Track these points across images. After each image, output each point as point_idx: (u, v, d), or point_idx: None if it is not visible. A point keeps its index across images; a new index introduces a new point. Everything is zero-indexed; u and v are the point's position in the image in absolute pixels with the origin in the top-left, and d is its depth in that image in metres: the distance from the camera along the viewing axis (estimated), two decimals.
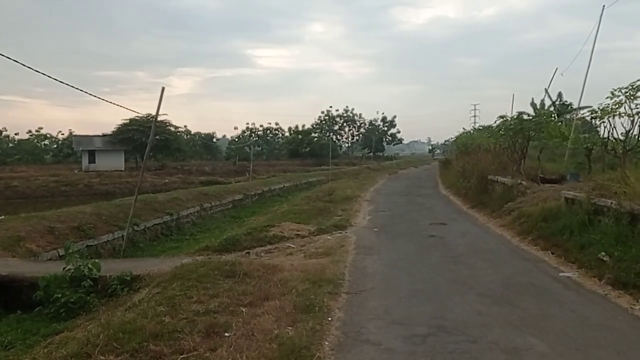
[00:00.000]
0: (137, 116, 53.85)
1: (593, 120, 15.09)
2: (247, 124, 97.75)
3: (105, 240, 15.99)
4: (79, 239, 14.75)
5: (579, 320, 6.29)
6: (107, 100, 29.82)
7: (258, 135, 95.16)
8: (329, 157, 53.85)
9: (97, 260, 10.40)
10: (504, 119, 20.55)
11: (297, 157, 79.95)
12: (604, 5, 23.35)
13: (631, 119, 11.41)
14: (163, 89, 14.81)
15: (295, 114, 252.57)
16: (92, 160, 57.92)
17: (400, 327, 6.16)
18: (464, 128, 57.90)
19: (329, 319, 6.40)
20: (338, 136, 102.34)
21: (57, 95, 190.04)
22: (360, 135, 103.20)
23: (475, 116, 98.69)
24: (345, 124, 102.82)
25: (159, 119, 17.29)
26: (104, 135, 61.70)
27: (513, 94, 56.78)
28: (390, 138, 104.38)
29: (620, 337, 5.68)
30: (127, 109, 42.48)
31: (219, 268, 8.40)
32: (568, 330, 5.92)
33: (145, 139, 48.88)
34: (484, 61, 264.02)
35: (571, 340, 5.61)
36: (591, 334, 5.78)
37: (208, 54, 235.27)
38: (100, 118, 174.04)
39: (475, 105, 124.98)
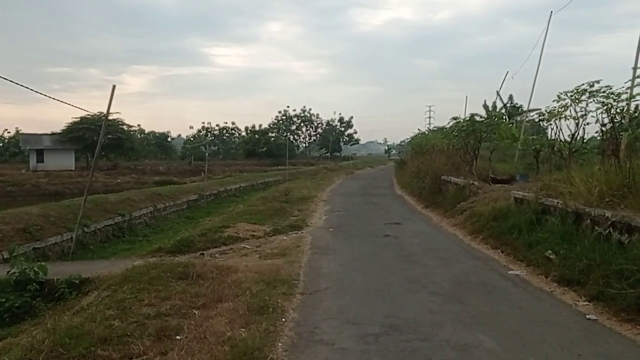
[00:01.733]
0: (88, 114, 52.37)
1: (541, 123, 15.58)
2: (203, 123, 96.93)
3: (54, 242, 15.47)
4: (25, 241, 14.22)
5: (526, 317, 6.47)
6: (55, 99, 28.82)
7: (214, 135, 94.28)
8: (286, 157, 53.73)
9: (43, 263, 10.07)
10: (457, 120, 21.01)
11: (254, 157, 79.52)
12: (551, 11, 24.31)
13: (576, 121, 11.80)
14: (114, 86, 14.49)
15: (252, 113, 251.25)
16: (40, 159, 56.01)
17: (353, 326, 6.19)
18: (419, 129, 58.83)
19: (283, 319, 6.38)
20: (295, 136, 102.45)
21: (3, 92, 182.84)
22: (318, 135, 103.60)
23: (430, 117, 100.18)
24: (302, 124, 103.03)
25: (111, 117, 16.89)
26: (53, 134, 59.73)
27: (466, 96, 58.60)
28: (347, 138, 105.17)
29: (564, 333, 5.88)
30: (76, 107, 41.37)
31: (172, 270, 8.26)
32: (516, 326, 6.09)
33: (96, 137, 47.51)
34: (439, 63, 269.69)
35: (518, 336, 5.77)
36: (537, 330, 5.96)
37: (163, 51, 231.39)
38: (50, 116, 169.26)
39: (430, 106, 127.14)
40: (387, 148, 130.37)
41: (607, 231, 7.90)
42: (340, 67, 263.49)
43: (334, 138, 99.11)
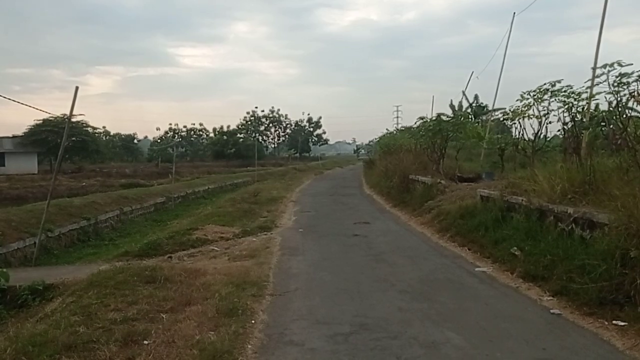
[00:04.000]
0: (51, 117, 51.20)
1: (506, 122, 15.86)
2: (170, 124, 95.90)
3: (16, 247, 15.03)
4: None
5: (492, 313, 6.59)
6: (15, 100, 28.04)
7: (181, 136, 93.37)
8: (255, 158, 53.52)
9: (5, 270, 9.80)
10: (424, 120, 21.26)
11: (222, 158, 78.91)
12: (514, 13, 24.91)
13: (539, 120, 12.04)
14: (77, 88, 14.22)
15: (220, 114, 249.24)
16: (1, 163, 54.45)
17: (323, 326, 6.20)
18: (387, 129, 59.20)
19: (253, 321, 6.34)
20: (264, 137, 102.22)
21: None
22: (287, 136, 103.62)
23: (397, 117, 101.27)
24: (271, 125, 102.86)
25: (74, 119, 16.53)
26: (14, 137, 58.13)
27: (433, 96, 59.52)
28: (316, 139, 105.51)
29: (529, 327, 6.00)
30: (38, 109, 40.30)
31: (139, 274, 8.13)
32: (482, 323, 6.19)
33: (59, 140, 46.36)
34: (406, 64, 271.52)
35: (485, 332, 5.86)
36: (503, 326, 6.07)
37: (128, 52, 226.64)
38: (10, 119, 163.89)
39: (397, 106, 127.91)
40: (355, 148, 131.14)
41: (569, 227, 8.10)
42: (309, 68, 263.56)
43: (303, 138, 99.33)
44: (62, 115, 38.28)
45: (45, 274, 9.99)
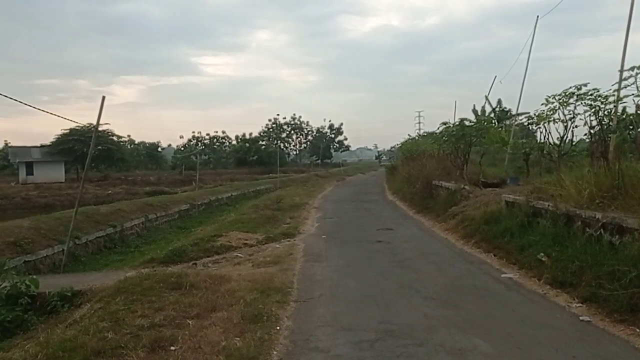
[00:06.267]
0: (78, 126, 52.22)
1: (530, 126, 15.67)
2: (193, 132, 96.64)
3: (45, 255, 15.33)
4: (15, 254, 14.08)
5: (519, 320, 6.50)
6: (43, 110, 28.74)
7: (204, 144, 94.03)
8: (277, 165, 53.76)
9: (35, 277, 9.96)
10: (447, 125, 21.10)
11: (245, 166, 79.41)
12: (537, 16, 24.56)
13: (565, 124, 11.88)
14: (104, 97, 14.49)
15: (242, 122, 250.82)
16: (30, 172, 55.50)
17: (348, 333, 6.19)
18: (409, 134, 59.03)
19: (278, 328, 6.36)
20: (286, 144, 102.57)
21: None
22: (308, 142, 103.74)
23: (419, 123, 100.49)
24: (292, 132, 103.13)
25: (100, 128, 16.83)
26: (42, 146, 59.30)
27: (455, 101, 59.41)
28: (337, 145, 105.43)
29: (558, 335, 5.90)
30: (65, 118, 40.92)
31: (165, 280, 8.22)
32: (510, 329, 6.11)
33: (86, 149, 47.33)
34: (428, 69, 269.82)
35: (513, 339, 5.79)
36: (531, 333, 5.98)
37: (152, 61, 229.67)
38: (39, 128, 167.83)
39: (419, 112, 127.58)
40: (377, 154, 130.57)
41: (598, 233, 7.96)
42: (330, 74, 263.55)
43: (325, 145, 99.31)
44: (88, 125, 39.01)
45: (74, 281, 10.13)
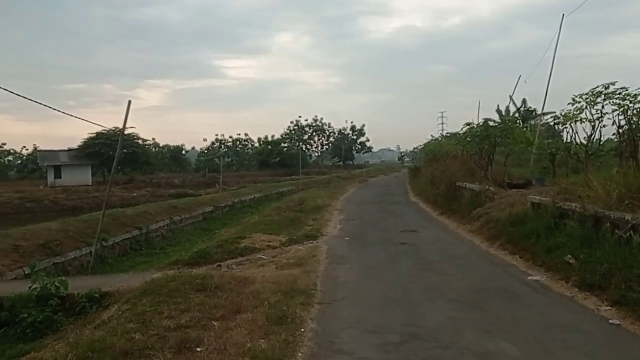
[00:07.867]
0: (104, 130, 53.00)
1: (556, 126, 15.46)
2: (217, 135, 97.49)
3: (73, 257, 15.64)
4: (45, 256, 14.41)
5: (547, 323, 6.40)
6: (70, 115, 29.31)
7: (227, 147, 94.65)
8: (299, 167, 53.84)
9: (64, 278, 10.13)
10: (471, 125, 20.90)
11: (267, 168, 79.76)
12: (563, 14, 24.24)
13: (592, 124, 11.70)
14: (130, 102, 14.64)
15: (264, 124, 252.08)
16: (58, 175, 56.60)
17: (373, 335, 6.17)
18: (432, 135, 58.53)
19: (302, 330, 6.38)
20: (308, 146, 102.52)
21: (20, 109, 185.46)
22: (330, 144, 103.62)
23: (442, 123, 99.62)
24: (314, 134, 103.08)
25: (126, 132, 17.08)
26: (69, 150, 60.45)
27: (479, 101, 58.63)
28: (359, 146, 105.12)
29: (586, 338, 5.81)
30: (92, 122, 41.97)
31: (190, 282, 8.30)
32: (537, 333, 6.03)
33: (112, 152, 48.19)
34: (451, 69, 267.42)
35: (540, 342, 5.71)
36: (559, 336, 5.89)
37: (176, 65, 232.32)
38: (66, 132, 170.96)
39: (442, 112, 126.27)
40: (400, 155, 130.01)
41: (627, 234, 7.81)
42: (352, 76, 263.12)
43: (347, 146, 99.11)
44: (114, 128, 39.53)
45: (101, 282, 10.29)
